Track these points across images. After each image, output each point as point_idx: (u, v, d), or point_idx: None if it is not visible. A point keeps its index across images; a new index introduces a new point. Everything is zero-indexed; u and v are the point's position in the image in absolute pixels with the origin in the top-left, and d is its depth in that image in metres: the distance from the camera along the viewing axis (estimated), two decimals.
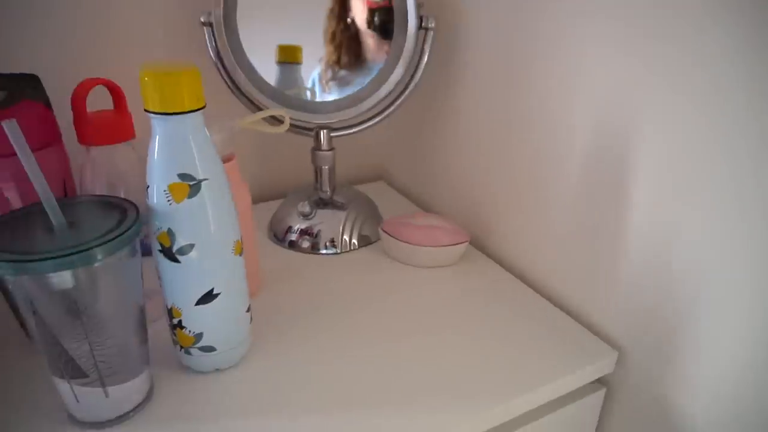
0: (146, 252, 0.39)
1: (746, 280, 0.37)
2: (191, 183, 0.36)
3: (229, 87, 0.57)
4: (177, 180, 0.36)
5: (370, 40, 0.56)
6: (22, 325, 0.34)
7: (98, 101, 0.45)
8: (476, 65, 0.57)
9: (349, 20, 0.55)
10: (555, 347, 0.46)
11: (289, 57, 0.58)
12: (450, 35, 0.59)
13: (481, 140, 0.58)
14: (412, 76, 0.57)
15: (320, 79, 0.57)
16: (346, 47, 0.55)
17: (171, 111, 0.34)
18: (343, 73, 0.57)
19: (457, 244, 0.56)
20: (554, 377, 0.43)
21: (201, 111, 0.36)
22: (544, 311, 0.50)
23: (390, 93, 0.56)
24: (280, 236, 0.62)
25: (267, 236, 0.63)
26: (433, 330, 0.47)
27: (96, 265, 0.33)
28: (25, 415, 0.39)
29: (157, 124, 0.35)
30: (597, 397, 0.47)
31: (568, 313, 0.51)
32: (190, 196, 0.36)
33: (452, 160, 0.64)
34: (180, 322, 0.40)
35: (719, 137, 0.36)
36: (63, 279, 0.32)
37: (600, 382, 0.48)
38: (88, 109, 0.42)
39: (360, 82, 0.56)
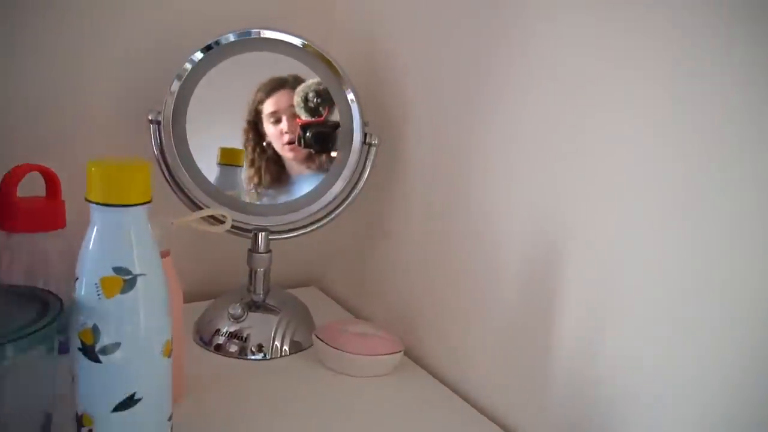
0: (61, 351, 0.36)
1: (671, 403, 0.39)
2: (126, 277, 0.35)
3: (169, 184, 0.56)
4: (111, 273, 0.34)
5: (291, 161, 0.59)
6: None
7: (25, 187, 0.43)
8: (414, 179, 0.60)
9: (265, 144, 0.58)
10: None
11: (230, 159, 0.59)
12: (391, 150, 0.62)
13: (416, 251, 0.60)
14: (353, 188, 0.60)
15: (251, 192, 0.59)
16: (266, 169, 0.58)
17: (115, 203, 0.34)
18: (269, 191, 0.59)
19: (392, 353, 0.55)
20: None
21: (146, 205, 0.35)
22: (478, 425, 0.50)
23: (331, 202, 0.58)
24: (206, 339, 0.59)
25: (192, 338, 0.60)
26: None
27: (5, 363, 0.30)
28: None
29: (98, 215, 0.34)
30: None
31: (503, 427, 0.50)
32: (123, 291, 0.34)
33: (387, 269, 0.65)
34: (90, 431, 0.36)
35: (644, 254, 0.40)
36: None
37: None
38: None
39: (291, 193, 0.59)
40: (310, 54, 0.56)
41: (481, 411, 0.52)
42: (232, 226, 0.60)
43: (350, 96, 0.57)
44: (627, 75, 0.40)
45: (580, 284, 0.44)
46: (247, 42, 0.56)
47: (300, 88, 0.57)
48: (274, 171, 0.58)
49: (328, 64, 0.56)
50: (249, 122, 0.57)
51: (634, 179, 0.40)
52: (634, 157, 0.40)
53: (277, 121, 0.57)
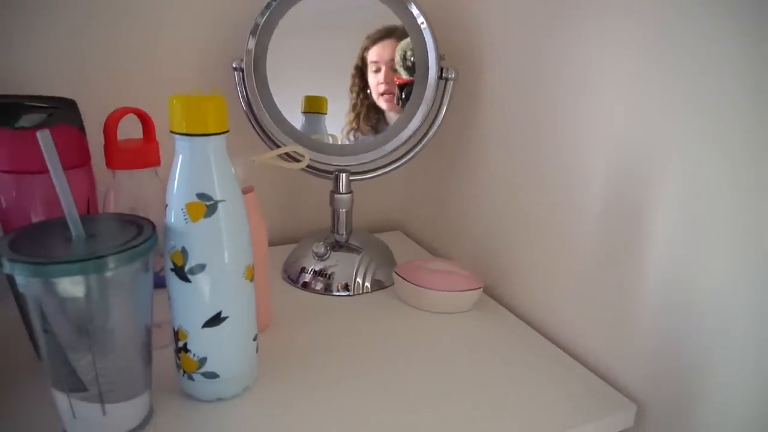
0: (160, 284, 0.40)
1: (766, 329, 0.35)
2: (208, 203, 0.37)
3: (254, 128, 0.59)
4: (195, 199, 0.37)
5: (388, 111, 0.59)
6: (31, 336, 0.34)
7: (124, 129, 0.47)
8: (495, 114, 0.58)
9: (369, 91, 0.58)
10: (570, 399, 0.44)
11: (314, 107, 0.61)
12: (470, 85, 0.61)
13: (499, 189, 0.59)
14: (431, 125, 0.59)
15: (344, 138, 0.60)
16: (365, 116, 0.59)
17: (195, 132, 0.36)
18: (364, 137, 0.60)
19: (471, 289, 0.55)
20: (568, 429, 0.41)
21: (223, 135, 0.38)
22: (559, 362, 0.49)
23: (410, 138, 0.58)
24: (293, 277, 0.62)
25: (281, 277, 0.63)
26: (443, 376, 0.46)
27: (108, 274, 0.33)
28: (23, 430, 0.38)
29: (181, 145, 0.37)
30: None
31: (584, 364, 0.49)
32: (206, 216, 0.37)
33: (469, 209, 0.64)
34: (185, 345, 0.40)
35: (743, 182, 0.36)
36: (74, 286, 0.33)
37: None
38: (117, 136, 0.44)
39: (380, 136, 0.59)
40: None
41: (563, 349, 0.51)
42: (315, 168, 0.62)
43: (424, 28, 0.55)
44: None
45: (671, 213, 0.41)
46: None
47: (400, 45, 0.57)
48: (373, 119, 0.59)
49: None
50: (356, 68, 0.58)
51: (728, 100, 0.36)
52: (729, 78, 0.35)
53: (377, 70, 0.58)
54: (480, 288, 0.56)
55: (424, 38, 0.55)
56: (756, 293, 0.36)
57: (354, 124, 0.59)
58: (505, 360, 0.48)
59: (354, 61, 0.58)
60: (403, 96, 0.58)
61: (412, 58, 0.57)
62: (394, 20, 0.56)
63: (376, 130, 0.59)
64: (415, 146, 0.60)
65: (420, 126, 0.57)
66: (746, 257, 0.36)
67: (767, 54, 0.34)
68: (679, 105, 0.39)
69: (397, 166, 0.61)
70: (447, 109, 0.58)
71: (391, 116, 0.59)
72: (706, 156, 0.38)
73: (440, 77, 0.56)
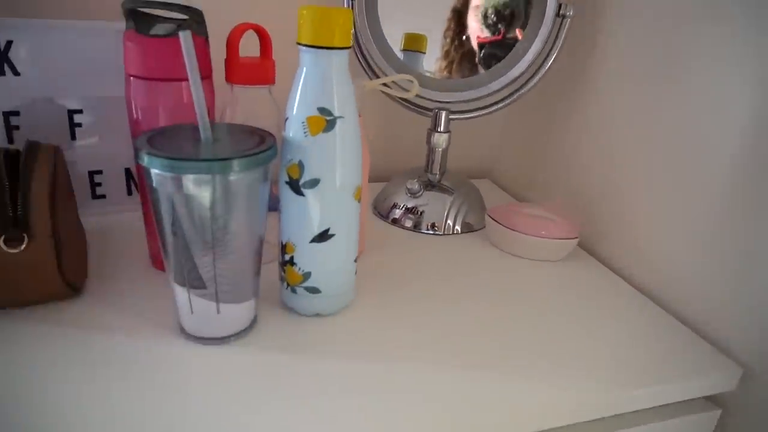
0: (272, 208, 0.41)
1: None
2: (328, 118, 0.37)
3: (358, 58, 0.59)
4: (316, 113, 0.37)
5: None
6: (159, 231, 0.37)
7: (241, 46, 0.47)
8: (610, 60, 0.55)
9: (464, 37, 0.56)
10: (667, 354, 0.42)
11: (413, 45, 0.59)
12: (586, 27, 0.57)
13: (607, 144, 0.56)
14: (542, 65, 0.56)
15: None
16: (458, 63, 0.57)
17: (322, 45, 0.36)
18: (455, 82, 0.57)
19: (567, 238, 0.54)
20: (663, 381, 0.39)
21: (347, 51, 0.37)
22: (661, 320, 0.47)
23: (517, 78, 0.56)
24: (384, 213, 0.62)
25: (372, 212, 0.64)
26: (530, 318, 0.45)
27: (232, 177, 0.34)
28: (143, 323, 0.41)
29: (307, 57, 0.37)
30: (709, 418, 0.43)
31: (690, 325, 0.47)
32: (325, 131, 0.37)
33: (570, 162, 0.62)
34: (292, 258, 0.41)
35: None
36: (202, 185, 0.34)
37: (715, 402, 0.44)
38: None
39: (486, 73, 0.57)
40: None
41: (666, 309, 0.49)
42: (416, 104, 0.61)
43: None
44: None
45: None
46: None
47: (483, 1, 0.54)
48: (467, 68, 0.57)
49: None
50: (454, 11, 0.56)
51: None
52: None
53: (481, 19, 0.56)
54: (576, 238, 0.54)
55: None
56: None
57: (446, 73, 0.58)
58: (599, 313, 0.47)
59: (452, 2, 0.55)
60: (483, 54, 0.55)
61: (493, 17, 0.54)
62: None
63: (468, 80, 0.57)
64: (520, 88, 0.58)
65: (530, 65, 0.55)
66: None
67: None
68: None
69: (499, 107, 0.60)
70: (560, 51, 0.55)
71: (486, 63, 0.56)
72: None
73: (557, 14, 0.53)
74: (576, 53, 0.59)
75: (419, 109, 0.61)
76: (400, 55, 0.59)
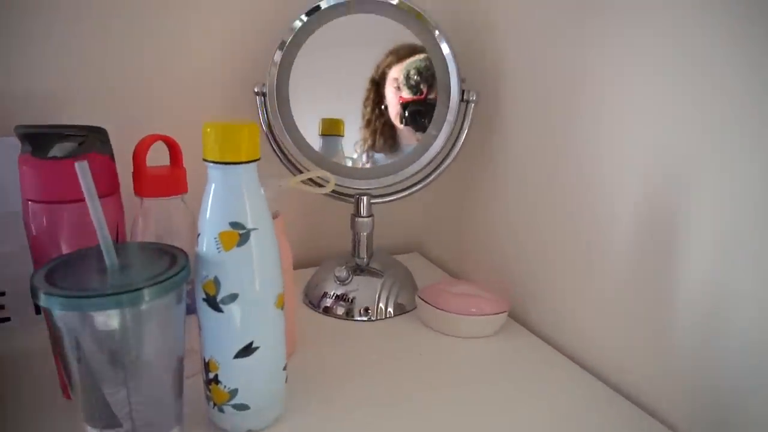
0: (189, 311, 0.39)
1: None
2: (241, 232, 0.37)
3: (275, 152, 0.59)
4: (228, 228, 0.36)
5: (404, 129, 0.59)
6: (65, 368, 0.34)
7: (150, 156, 0.47)
8: (515, 135, 0.58)
9: (383, 107, 0.58)
10: (603, 427, 0.43)
11: (331, 130, 0.60)
12: (489, 107, 0.61)
13: (522, 211, 0.58)
14: (452, 147, 0.59)
15: (359, 156, 0.59)
16: (381, 133, 0.58)
17: (228, 161, 0.36)
18: (379, 155, 0.59)
19: (497, 313, 0.54)
20: None
21: (255, 163, 0.37)
22: (590, 388, 0.48)
23: (431, 161, 0.58)
24: (314, 302, 0.61)
25: (302, 301, 0.63)
26: (469, 405, 0.45)
27: (143, 306, 0.33)
28: None
29: (214, 173, 0.37)
30: None
31: (617, 390, 0.48)
32: (239, 245, 0.37)
33: (490, 230, 0.64)
34: (216, 376, 0.39)
35: None
36: (110, 319, 0.32)
37: None
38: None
39: (397, 156, 0.59)
40: (404, 12, 0.56)
41: (591, 371, 0.50)
42: (336, 191, 0.62)
43: (446, 52, 0.55)
44: None
45: (703, 231, 0.40)
46: (340, 7, 0.56)
47: (405, 64, 0.57)
48: (389, 135, 0.58)
49: (423, 20, 0.55)
50: (373, 82, 0.58)
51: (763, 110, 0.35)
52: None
53: (398, 88, 0.58)
54: (505, 312, 0.55)
55: (447, 66, 0.55)
56: None
57: (369, 141, 0.59)
58: (533, 387, 0.48)
59: (370, 74, 0.57)
60: (407, 114, 0.57)
61: (416, 77, 0.57)
62: (377, 33, 0.57)
63: (390, 147, 0.59)
64: (435, 169, 0.60)
65: (441, 149, 0.57)
66: None
67: None
68: (711, 117, 0.39)
69: (418, 189, 0.61)
70: (468, 132, 0.58)
71: (405, 134, 0.58)
72: (740, 172, 0.38)
73: (461, 100, 0.56)
74: (483, 130, 0.62)
75: (341, 197, 0.62)
76: (319, 140, 0.60)
